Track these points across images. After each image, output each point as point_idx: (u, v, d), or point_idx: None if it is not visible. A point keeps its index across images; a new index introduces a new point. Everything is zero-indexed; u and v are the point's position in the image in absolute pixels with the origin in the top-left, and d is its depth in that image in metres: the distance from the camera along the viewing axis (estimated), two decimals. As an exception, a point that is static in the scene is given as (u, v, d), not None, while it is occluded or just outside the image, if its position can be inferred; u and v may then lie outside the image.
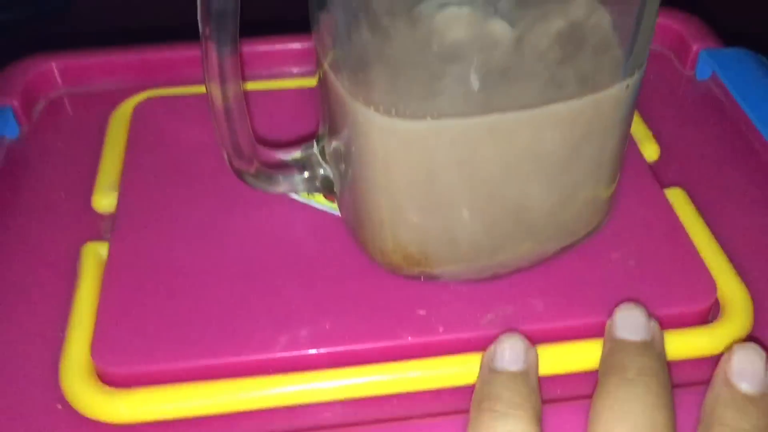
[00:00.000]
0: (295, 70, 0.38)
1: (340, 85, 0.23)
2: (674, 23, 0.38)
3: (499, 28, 0.20)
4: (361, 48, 0.20)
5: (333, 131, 0.25)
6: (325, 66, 0.24)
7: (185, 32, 0.39)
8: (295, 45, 0.37)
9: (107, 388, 0.24)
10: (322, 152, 0.27)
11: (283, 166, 0.27)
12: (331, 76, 0.23)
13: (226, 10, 0.22)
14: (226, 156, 0.26)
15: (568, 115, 0.22)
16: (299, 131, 0.31)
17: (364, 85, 0.21)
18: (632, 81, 0.22)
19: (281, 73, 0.37)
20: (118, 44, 0.42)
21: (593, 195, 0.25)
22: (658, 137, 0.33)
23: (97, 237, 0.29)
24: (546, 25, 0.20)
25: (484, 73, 0.20)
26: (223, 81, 0.24)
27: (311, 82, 0.33)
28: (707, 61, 0.36)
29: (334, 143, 0.25)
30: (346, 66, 0.22)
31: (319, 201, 0.29)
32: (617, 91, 0.22)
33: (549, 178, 0.23)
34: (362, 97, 0.22)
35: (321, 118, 0.27)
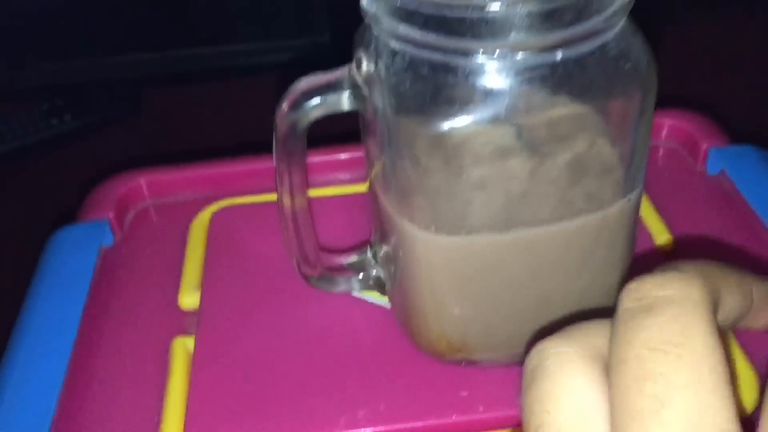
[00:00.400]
0: (349, 176, 0.43)
1: (387, 203, 0.28)
2: (685, 123, 0.43)
3: (517, 163, 0.24)
4: (405, 180, 0.25)
5: (383, 238, 0.30)
6: (374, 184, 0.29)
7: (247, 146, 0.45)
8: (351, 154, 0.42)
9: (198, 463, 0.28)
10: (375, 256, 0.31)
11: (343, 270, 0.31)
12: (380, 193, 0.28)
13: (297, 149, 0.27)
14: (294, 262, 0.31)
15: (578, 229, 0.26)
16: (356, 233, 0.36)
17: (407, 207, 0.26)
18: (632, 195, 0.27)
19: (339, 180, 0.42)
20: (182, 151, 0.48)
21: (608, 289, 0.29)
22: (671, 228, 0.37)
23: (184, 332, 0.34)
24: (555, 157, 0.25)
25: (506, 198, 0.25)
26: (293, 201, 0.29)
27: (364, 187, 0.38)
28: (716, 157, 0.40)
29: (384, 249, 0.30)
30: (392, 190, 0.27)
31: (373, 296, 0.34)
32: (620, 206, 0.27)
33: (566, 279, 0.28)
34: (406, 215, 0.26)
35: (372, 224, 0.32)
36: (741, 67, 0.63)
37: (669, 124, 0.43)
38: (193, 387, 0.31)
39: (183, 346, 0.33)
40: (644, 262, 0.34)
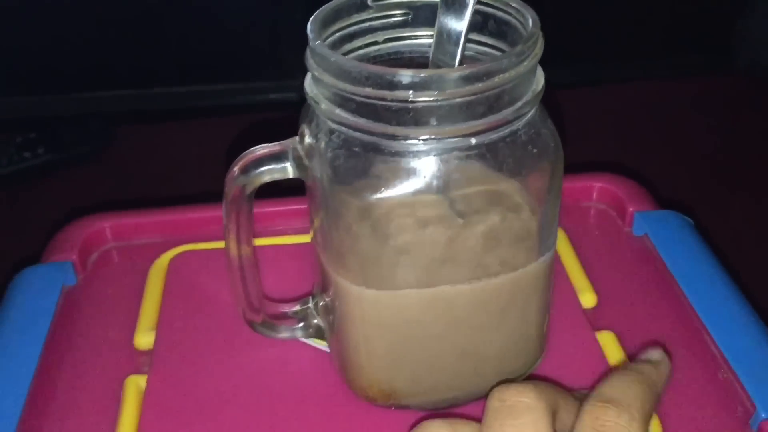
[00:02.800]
0: (300, 225, 0.45)
1: (324, 259, 0.31)
2: (614, 186, 0.46)
3: (436, 231, 0.28)
4: (339, 242, 0.28)
5: (323, 289, 0.33)
6: (315, 241, 0.32)
7: (212, 191, 0.47)
8: (299, 206, 0.45)
9: (143, 496, 0.31)
10: (316, 306, 0.34)
11: (285, 318, 0.34)
12: (319, 251, 0.31)
13: (245, 209, 0.30)
14: (240, 310, 0.33)
15: (494, 289, 0.29)
16: (302, 282, 0.39)
17: (342, 265, 0.29)
18: (543, 260, 0.30)
19: (290, 229, 0.45)
20: (147, 193, 0.50)
21: (525, 341, 0.32)
22: (596, 286, 0.40)
23: (138, 371, 0.36)
24: (471, 228, 0.28)
25: (428, 261, 0.28)
26: (239, 252, 0.31)
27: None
28: (641, 221, 0.44)
29: (325, 299, 0.33)
30: (328, 248, 0.30)
31: (318, 342, 0.37)
32: (532, 269, 0.30)
33: (484, 334, 0.31)
34: (340, 272, 0.29)
35: (314, 275, 0.35)
36: (671, 129, 0.68)
37: (599, 187, 0.47)
38: (143, 423, 0.33)
39: (135, 385, 0.35)
40: (568, 317, 0.37)
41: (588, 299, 0.40)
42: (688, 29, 0.87)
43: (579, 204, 0.47)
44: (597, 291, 0.40)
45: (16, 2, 0.83)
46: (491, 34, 0.30)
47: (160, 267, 0.42)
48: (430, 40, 0.30)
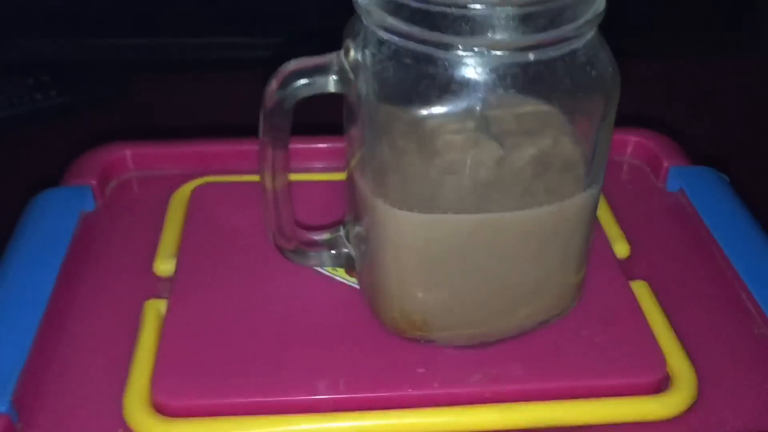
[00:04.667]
0: (327, 165, 0.44)
1: (363, 184, 0.29)
2: (649, 142, 0.45)
3: (485, 151, 0.26)
4: (382, 160, 0.27)
5: (356, 218, 0.32)
6: (352, 167, 0.31)
7: (228, 130, 0.46)
8: (330, 144, 0.44)
9: (164, 417, 0.30)
10: (347, 235, 0.33)
11: (316, 245, 0.33)
12: (357, 176, 0.30)
13: (282, 126, 0.29)
14: (270, 235, 0.32)
15: (539, 219, 0.28)
16: (330, 217, 0.38)
17: (383, 186, 0.28)
18: (590, 193, 0.29)
19: (317, 167, 0.44)
20: (164, 131, 0.49)
21: (563, 281, 0.31)
22: (629, 237, 0.39)
23: (157, 296, 0.35)
24: (521, 151, 0.27)
25: (473, 184, 0.27)
26: (274, 176, 0.30)
27: (341, 176, 0.40)
28: (676, 176, 0.43)
29: (357, 228, 0.32)
30: (369, 171, 0.29)
31: (342, 276, 0.35)
32: (579, 201, 0.29)
33: (526, 266, 0.29)
34: (381, 195, 0.28)
35: (347, 207, 0.34)
36: (708, 101, 0.67)
37: (634, 142, 0.45)
38: (162, 345, 0.32)
39: (155, 309, 0.34)
40: (601, 267, 0.36)
41: (621, 249, 0.39)
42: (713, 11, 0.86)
43: (613, 158, 0.46)
44: (630, 242, 0.39)
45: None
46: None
47: (182, 197, 0.41)
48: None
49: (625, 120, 0.45)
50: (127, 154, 0.43)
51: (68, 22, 0.91)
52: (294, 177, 0.42)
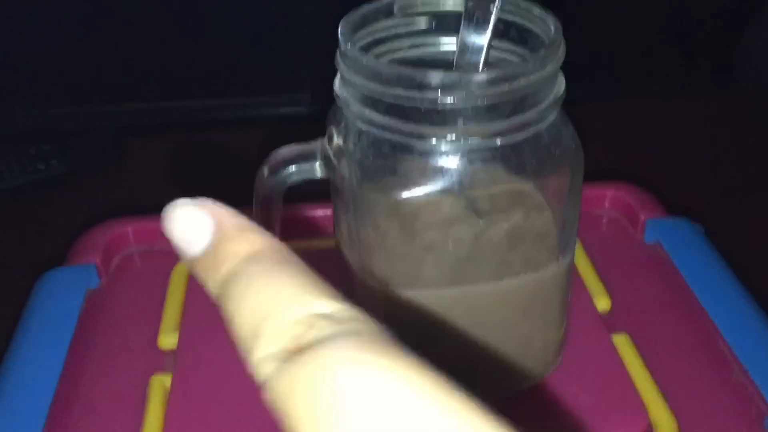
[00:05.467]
0: (321, 231, 0.46)
1: (351, 260, 0.31)
2: (626, 195, 0.47)
3: (462, 229, 0.28)
4: (366, 240, 0.29)
5: (348, 293, 0.34)
6: (340, 243, 0.33)
7: (227, 197, 0.48)
8: (323, 212, 0.46)
9: (171, 490, 0.31)
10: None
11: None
12: (345, 252, 0.32)
13: (274, 209, 0.31)
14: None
15: (517, 287, 0.30)
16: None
17: (369, 264, 0.30)
18: (564, 260, 0.31)
19: (313, 234, 0.46)
20: (163, 201, 0.51)
21: (543, 343, 0.33)
22: (610, 291, 0.41)
23: (162, 370, 0.37)
24: (496, 226, 0.29)
25: (453, 259, 0.29)
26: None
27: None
28: (653, 228, 0.45)
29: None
30: (355, 249, 0.31)
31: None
32: (553, 269, 0.31)
33: (506, 332, 0.31)
34: (367, 271, 0.30)
35: (339, 280, 0.35)
36: (682, 144, 0.69)
37: (611, 195, 0.47)
38: (168, 421, 0.34)
39: (160, 383, 0.36)
40: (584, 321, 0.38)
41: (603, 303, 0.40)
42: (692, 48, 0.89)
43: (592, 212, 0.48)
44: (611, 295, 0.41)
45: (30, 16, 0.85)
46: (513, 41, 0.31)
47: (183, 270, 0.43)
48: (453, 48, 0.31)
49: (602, 172, 0.48)
50: (129, 230, 0.45)
51: (66, 90, 0.93)
52: (292, 245, 0.44)
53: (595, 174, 0.45)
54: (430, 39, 0.33)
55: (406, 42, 0.32)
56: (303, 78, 0.94)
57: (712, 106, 0.75)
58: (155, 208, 0.49)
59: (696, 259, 0.43)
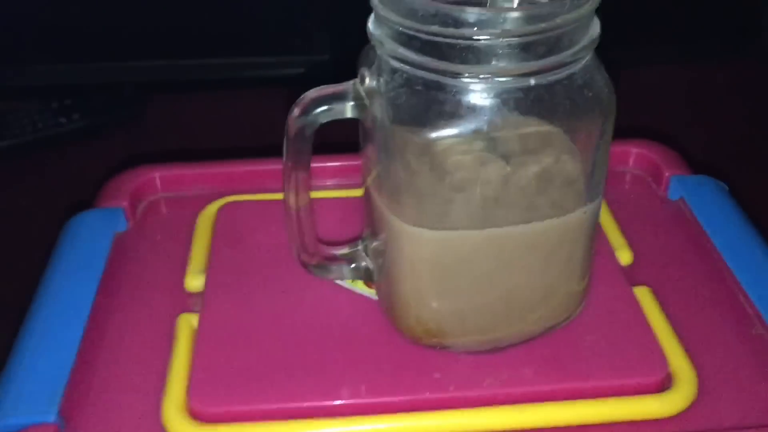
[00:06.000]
0: (343, 182, 0.47)
1: (380, 201, 0.32)
2: (650, 152, 0.47)
3: (492, 170, 0.29)
4: (396, 180, 0.30)
5: (374, 233, 0.34)
6: (369, 185, 0.33)
7: (249, 151, 0.48)
8: (345, 162, 0.46)
9: (199, 422, 0.32)
10: (366, 249, 0.35)
11: (336, 259, 0.35)
12: (374, 194, 0.32)
13: (304, 150, 0.31)
14: (294, 251, 0.35)
15: (544, 231, 0.30)
16: (347, 231, 0.40)
17: (397, 204, 0.30)
18: (591, 207, 0.31)
19: (334, 184, 0.46)
20: (186, 151, 0.51)
21: (568, 289, 0.33)
22: (632, 245, 0.41)
23: (189, 310, 0.38)
24: (525, 168, 0.29)
25: (482, 201, 0.29)
26: (297, 196, 0.33)
27: (358, 192, 0.42)
28: (677, 185, 0.45)
29: (375, 243, 0.34)
30: (385, 190, 0.31)
31: (362, 288, 0.38)
32: (580, 214, 0.31)
33: (533, 276, 0.32)
34: (396, 212, 0.31)
35: (365, 223, 0.36)
36: (705, 108, 0.69)
37: (636, 153, 0.47)
38: (196, 357, 0.34)
39: (187, 322, 0.37)
40: (605, 273, 0.38)
41: (625, 256, 0.41)
42: (717, 15, 0.88)
43: (615, 169, 0.48)
44: (633, 250, 0.41)
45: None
46: (547, -15, 0.31)
47: (208, 216, 0.43)
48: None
49: (626, 131, 0.48)
50: (156, 176, 0.46)
51: (88, 46, 0.94)
52: (315, 194, 0.44)
53: (619, 132, 0.45)
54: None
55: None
56: (323, 39, 0.94)
57: (738, 71, 0.74)
58: (177, 158, 0.50)
59: (719, 216, 0.43)
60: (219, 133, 0.81)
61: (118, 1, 0.90)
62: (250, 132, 0.74)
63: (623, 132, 0.47)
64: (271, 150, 0.46)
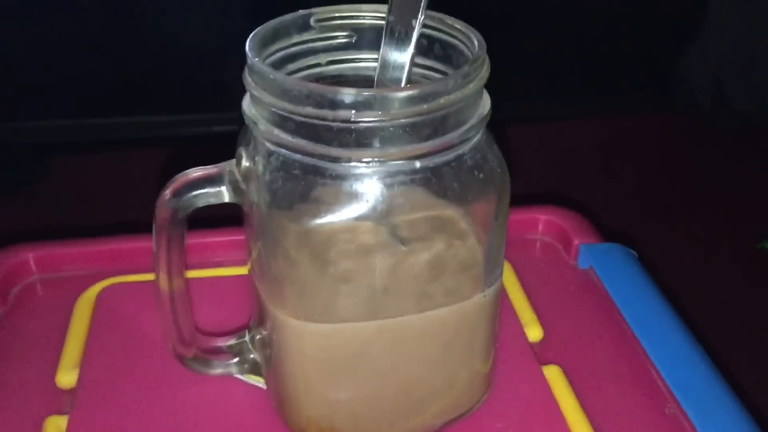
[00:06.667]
0: (235, 257, 0.44)
1: (262, 291, 0.29)
2: (559, 219, 0.46)
3: (380, 258, 0.26)
4: (276, 270, 0.27)
5: (260, 323, 0.31)
6: (252, 272, 0.30)
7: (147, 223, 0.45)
8: (236, 237, 0.43)
9: None
10: (252, 340, 0.32)
11: (219, 353, 0.32)
12: (256, 281, 0.30)
13: (177, 234, 0.28)
14: (169, 343, 0.31)
15: (439, 320, 0.28)
16: (238, 315, 0.37)
17: (280, 295, 0.28)
18: (490, 291, 0.29)
19: (223, 261, 0.43)
20: (79, 224, 0.48)
21: (470, 378, 0.31)
22: (542, 320, 0.40)
23: (59, 411, 0.34)
24: (415, 255, 0.27)
25: (370, 291, 0.27)
26: (170, 279, 0.30)
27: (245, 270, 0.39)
28: (586, 253, 0.44)
29: (261, 333, 0.31)
30: (265, 279, 0.28)
31: (253, 378, 0.35)
32: (479, 299, 0.29)
33: (430, 366, 0.29)
34: (278, 304, 0.28)
35: (252, 309, 0.33)
36: (615, 162, 0.69)
37: (545, 220, 0.46)
38: (60, 469, 0.30)
39: (56, 426, 0.33)
40: (515, 353, 0.36)
41: (534, 333, 0.39)
42: (627, 69, 0.89)
43: (524, 236, 0.46)
44: (543, 324, 0.39)
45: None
46: (437, 58, 0.29)
47: (88, 300, 0.40)
48: (375, 64, 0.29)
49: (535, 196, 0.47)
50: (30, 257, 0.42)
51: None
52: (198, 273, 0.41)
53: (527, 198, 0.44)
54: (350, 54, 0.31)
55: (323, 58, 0.30)
56: (237, 96, 0.91)
57: (646, 127, 0.75)
58: (65, 232, 0.46)
59: (628, 285, 0.42)
60: (122, 197, 0.77)
61: (17, 58, 0.86)
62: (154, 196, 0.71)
63: (532, 196, 0.46)
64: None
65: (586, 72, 0.88)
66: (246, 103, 0.27)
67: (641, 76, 0.91)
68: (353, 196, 0.25)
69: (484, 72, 0.26)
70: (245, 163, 0.27)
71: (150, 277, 0.41)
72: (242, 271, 0.42)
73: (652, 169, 0.68)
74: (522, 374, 0.35)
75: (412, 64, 0.28)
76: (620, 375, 0.37)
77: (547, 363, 0.37)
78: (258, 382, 0.34)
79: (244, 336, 0.33)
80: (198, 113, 0.95)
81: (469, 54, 0.27)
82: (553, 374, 0.36)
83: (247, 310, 0.36)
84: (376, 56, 0.29)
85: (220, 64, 0.86)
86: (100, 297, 0.39)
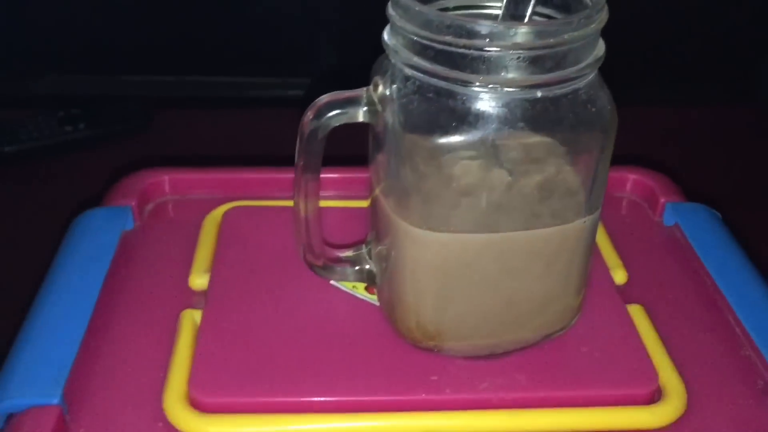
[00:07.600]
0: (346, 193, 0.48)
1: (387, 206, 0.33)
2: (647, 179, 0.49)
3: (498, 177, 0.30)
4: (405, 183, 0.31)
5: (378, 238, 0.35)
6: (377, 191, 0.34)
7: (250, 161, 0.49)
8: (351, 174, 0.48)
9: (199, 412, 0.33)
10: (369, 253, 0.36)
11: (340, 261, 0.36)
12: (381, 199, 0.34)
13: (316, 153, 0.32)
14: (301, 252, 0.36)
15: (544, 239, 0.31)
16: (351, 238, 0.41)
17: (405, 207, 0.31)
18: (590, 219, 0.32)
19: (338, 195, 0.47)
20: (192, 157, 0.52)
21: (565, 298, 0.34)
22: (627, 265, 0.42)
23: (192, 306, 0.39)
24: (528, 177, 0.30)
25: (486, 206, 0.30)
26: (306, 199, 0.34)
27: (358, 203, 0.43)
28: (671, 212, 0.46)
29: (379, 247, 0.35)
30: (393, 193, 0.32)
31: (362, 293, 0.39)
32: (579, 224, 0.32)
33: (532, 284, 0.33)
34: (402, 215, 0.32)
35: (370, 228, 0.37)
36: (700, 150, 0.71)
37: (633, 179, 0.49)
38: (198, 350, 0.35)
39: (191, 317, 0.38)
40: (600, 291, 0.39)
41: (619, 275, 0.42)
42: (715, 60, 0.90)
43: (613, 194, 0.49)
44: (628, 270, 0.42)
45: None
46: (556, 8, 0.32)
47: (214, 219, 0.44)
48: (497, 12, 0.33)
49: (625, 159, 0.49)
50: (165, 178, 0.47)
51: (98, 58, 0.95)
52: (323, 203, 0.45)
53: (617, 159, 0.47)
54: (474, 2, 0.34)
55: (452, 2, 0.33)
56: (330, 61, 0.95)
57: (734, 117, 0.77)
58: (185, 164, 0.50)
59: (712, 242, 0.44)
60: (222, 146, 0.82)
61: (127, 17, 0.92)
62: (252, 146, 0.76)
63: (622, 159, 0.48)
64: (272, 161, 0.48)
65: (674, 60, 0.90)
66: (387, 34, 0.31)
67: (728, 67, 0.91)
68: (479, 118, 0.29)
69: (604, 15, 0.29)
70: (381, 89, 0.31)
71: (269, 203, 0.45)
72: (350, 204, 0.46)
73: (736, 158, 0.69)
74: (607, 308, 0.38)
75: (535, 4, 0.31)
76: (700, 318, 0.40)
77: (631, 302, 0.40)
78: (370, 298, 0.38)
79: (361, 249, 0.37)
80: (291, 77, 0.99)
81: (588, 1, 0.30)
82: (636, 312, 0.39)
83: (358, 235, 0.40)
84: (497, 4, 0.33)
85: (311, 33, 0.91)
86: (226, 216, 0.44)
